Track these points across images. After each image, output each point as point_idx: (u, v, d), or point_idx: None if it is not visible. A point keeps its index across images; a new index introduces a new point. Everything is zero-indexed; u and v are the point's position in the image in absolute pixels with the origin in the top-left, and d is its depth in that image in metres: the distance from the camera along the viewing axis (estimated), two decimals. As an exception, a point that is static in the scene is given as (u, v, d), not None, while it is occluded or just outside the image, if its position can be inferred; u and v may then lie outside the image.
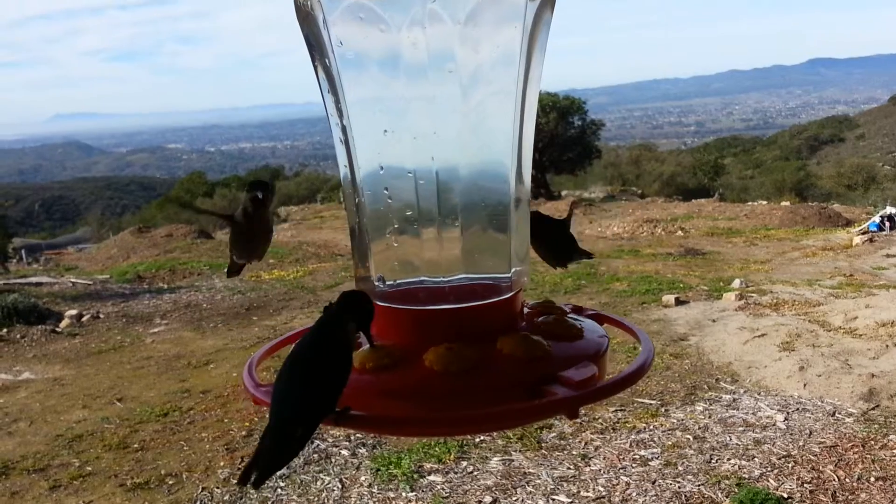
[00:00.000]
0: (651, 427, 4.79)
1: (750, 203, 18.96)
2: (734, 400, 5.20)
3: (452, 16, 0.84)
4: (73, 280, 10.88)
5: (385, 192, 0.93)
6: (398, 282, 0.96)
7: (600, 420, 4.88)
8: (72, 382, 6.42)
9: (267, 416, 0.77)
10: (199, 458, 4.64)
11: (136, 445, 4.92)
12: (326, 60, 0.89)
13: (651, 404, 5.13)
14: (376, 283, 0.96)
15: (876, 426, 4.67)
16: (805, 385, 5.34)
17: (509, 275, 0.97)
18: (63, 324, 8.37)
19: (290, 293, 9.62)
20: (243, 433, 4.97)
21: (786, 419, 4.83)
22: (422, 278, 0.95)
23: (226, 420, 5.26)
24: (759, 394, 5.30)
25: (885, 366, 5.56)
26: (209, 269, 11.49)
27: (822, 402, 5.09)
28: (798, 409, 5.00)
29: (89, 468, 4.61)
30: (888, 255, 10.53)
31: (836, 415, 4.87)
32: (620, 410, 5.02)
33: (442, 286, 0.94)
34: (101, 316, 8.75)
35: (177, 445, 4.88)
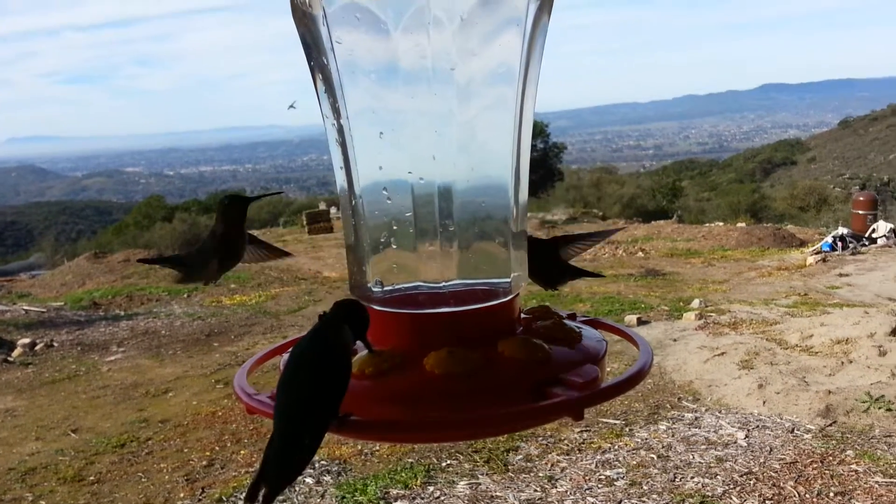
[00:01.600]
0: (616, 447, 4.81)
1: (707, 224, 19.31)
2: (696, 418, 5.26)
3: (452, 16, 0.84)
4: (25, 307, 10.57)
5: (384, 192, 0.92)
6: (396, 286, 0.95)
7: (566, 441, 4.89)
8: (24, 413, 6.22)
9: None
10: (158, 490, 4.53)
11: (92, 478, 4.78)
12: (324, 59, 0.89)
13: (615, 424, 5.17)
14: (373, 288, 0.95)
15: (834, 442, 4.76)
16: (764, 402, 5.42)
17: (509, 280, 0.96)
18: (15, 353, 8.11)
19: (252, 318, 9.48)
20: (204, 463, 4.86)
21: (746, 436, 4.90)
22: (419, 283, 0.94)
23: (185, 450, 5.14)
24: (720, 412, 5.37)
25: (840, 382, 5.68)
26: (168, 294, 11.28)
27: (782, 418, 5.18)
28: (758, 426, 5.07)
29: (43, 502, 4.46)
30: (841, 275, 10.80)
31: (795, 431, 4.96)
32: (585, 431, 5.04)
33: (440, 290, 0.93)
34: (56, 344, 8.51)
35: (134, 477, 4.75)
